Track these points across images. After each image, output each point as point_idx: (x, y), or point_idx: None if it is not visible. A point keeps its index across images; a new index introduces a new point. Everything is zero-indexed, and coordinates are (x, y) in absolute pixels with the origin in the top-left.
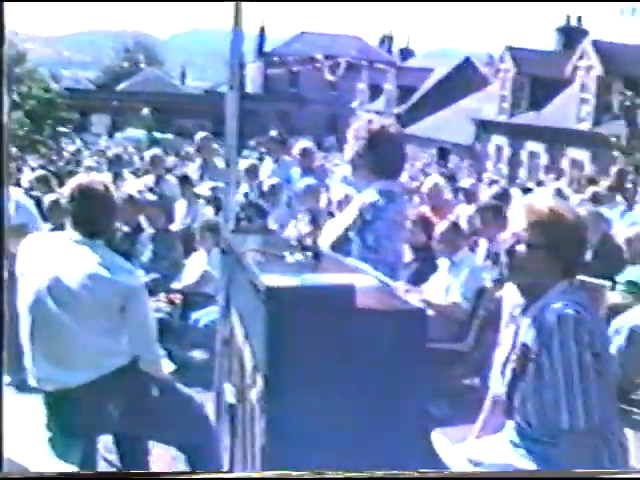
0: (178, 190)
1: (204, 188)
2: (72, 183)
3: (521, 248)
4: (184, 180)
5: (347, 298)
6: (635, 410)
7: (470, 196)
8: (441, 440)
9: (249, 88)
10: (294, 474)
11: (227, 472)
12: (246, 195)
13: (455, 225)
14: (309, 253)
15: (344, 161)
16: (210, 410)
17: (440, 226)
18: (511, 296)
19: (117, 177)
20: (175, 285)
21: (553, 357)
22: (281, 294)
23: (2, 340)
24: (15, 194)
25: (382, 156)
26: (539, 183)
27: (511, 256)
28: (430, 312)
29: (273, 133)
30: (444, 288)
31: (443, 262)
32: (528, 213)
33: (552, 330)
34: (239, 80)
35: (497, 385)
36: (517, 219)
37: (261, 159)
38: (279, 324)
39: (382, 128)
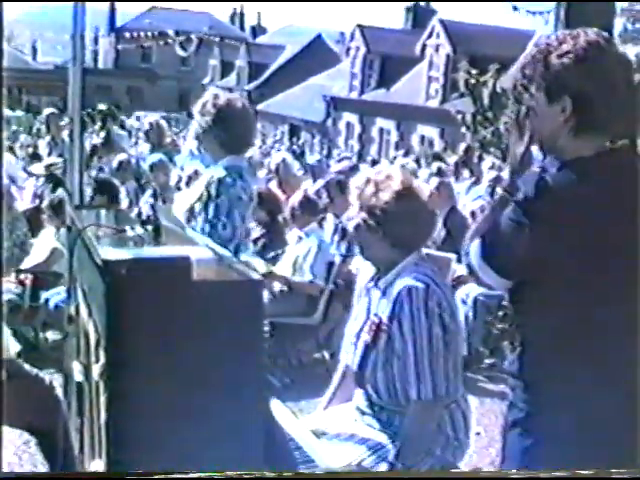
0: (19, 169)
1: (39, 167)
2: None
3: (370, 222)
4: (34, 158)
5: (184, 269)
6: (480, 378)
7: (318, 172)
8: (285, 411)
9: (101, 63)
10: (294, 474)
11: (227, 472)
12: (99, 170)
13: (306, 199)
14: (149, 227)
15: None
16: (59, 390)
17: (292, 200)
18: (363, 269)
19: None
20: (24, 265)
21: (403, 329)
22: (118, 267)
23: (1, 335)
24: None
25: (229, 131)
26: (392, 160)
27: (360, 231)
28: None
29: (102, 107)
30: (292, 262)
31: (292, 236)
32: (377, 187)
33: (402, 302)
34: (85, 54)
35: (348, 356)
36: (366, 193)
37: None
38: (117, 297)
39: (228, 103)
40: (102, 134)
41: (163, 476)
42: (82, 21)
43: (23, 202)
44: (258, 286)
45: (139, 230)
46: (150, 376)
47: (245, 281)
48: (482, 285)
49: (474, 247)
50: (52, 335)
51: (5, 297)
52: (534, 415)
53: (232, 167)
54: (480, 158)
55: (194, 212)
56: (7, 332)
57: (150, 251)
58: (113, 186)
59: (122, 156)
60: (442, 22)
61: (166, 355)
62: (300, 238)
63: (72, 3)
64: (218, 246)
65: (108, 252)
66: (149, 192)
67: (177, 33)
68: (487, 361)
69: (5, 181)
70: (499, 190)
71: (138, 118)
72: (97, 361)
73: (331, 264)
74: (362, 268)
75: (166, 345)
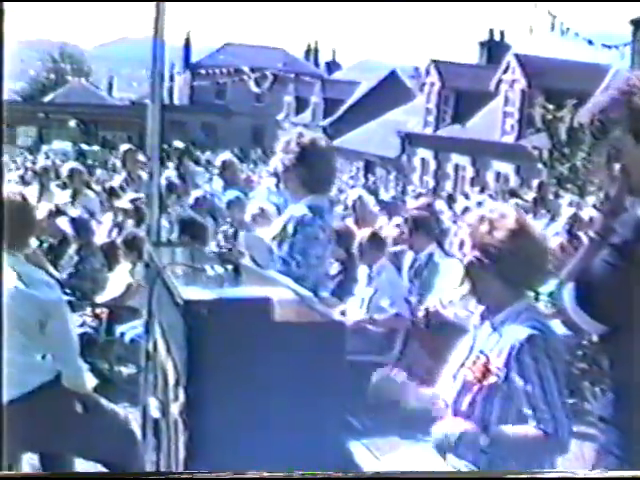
0: (97, 203)
1: (124, 201)
2: None
3: (484, 261)
4: (110, 192)
5: (265, 311)
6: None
7: (394, 209)
8: (365, 452)
9: (176, 100)
10: (294, 474)
11: (227, 472)
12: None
13: (374, 235)
14: (229, 266)
15: (270, 173)
16: (136, 426)
17: (359, 236)
18: (468, 306)
19: (43, 190)
20: (100, 299)
21: (526, 373)
22: (199, 307)
23: (1, 342)
24: None
25: (312, 171)
26: (466, 196)
27: (472, 269)
28: (370, 327)
29: (178, 144)
30: (361, 299)
31: (362, 272)
32: (492, 225)
33: (523, 349)
34: (163, 92)
35: (446, 389)
36: (480, 231)
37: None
38: (198, 337)
39: (312, 142)
40: (177, 171)
41: (163, 476)
42: (161, 58)
43: (100, 236)
44: (340, 328)
45: (219, 269)
46: (230, 417)
47: (327, 323)
48: (571, 328)
49: (568, 291)
50: (127, 369)
51: (81, 330)
52: (634, 465)
53: (313, 206)
54: (557, 195)
55: (271, 249)
56: (84, 367)
57: (231, 291)
58: (199, 224)
59: (198, 192)
60: (517, 57)
61: (247, 396)
62: (371, 273)
63: (149, 39)
64: (299, 286)
65: (189, 292)
66: (224, 229)
67: (252, 70)
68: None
69: (85, 215)
70: (591, 233)
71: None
72: (176, 399)
73: (407, 301)
74: (465, 304)
75: (247, 386)
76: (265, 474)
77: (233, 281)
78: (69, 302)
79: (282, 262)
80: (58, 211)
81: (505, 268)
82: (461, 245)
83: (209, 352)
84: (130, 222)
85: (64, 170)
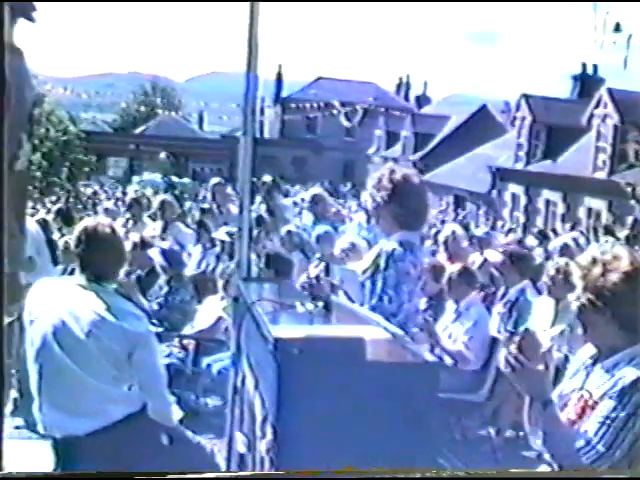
0: (187, 235)
1: (221, 233)
2: (79, 227)
3: (597, 304)
4: (200, 225)
5: (357, 351)
6: None
7: (485, 244)
8: None
9: (267, 133)
10: (294, 474)
11: (227, 472)
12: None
13: (465, 270)
14: (320, 303)
15: (360, 208)
16: (221, 459)
17: (449, 270)
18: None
19: (135, 221)
20: (188, 330)
21: (627, 410)
22: (290, 346)
23: (2, 348)
24: (31, 226)
25: (405, 207)
26: (555, 232)
27: (585, 312)
28: (447, 361)
29: (267, 179)
30: (447, 334)
31: (450, 307)
32: (605, 267)
33: (630, 392)
34: (254, 125)
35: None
36: (593, 274)
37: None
38: (288, 376)
39: (405, 178)
40: (267, 205)
41: (170, 477)
42: (253, 92)
43: (190, 268)
44: (433, 369)
45: (309, 306)
46: (318, 457)
47: (420, 364)
48: None
49: None
50: (212, 401)
51: (167, 361)
52: None
53: (404, 241)
54: None
55: (363, 284)
56: (171, 399)
57: (322, 329)
58: (285, 260)
59: (288, 227)
60: (610, 91)
61: (337, 437)
62: (459, 309)
63: (239, 73)
64: (389, 324)
65: (279, 329)
66: (314, 264)
67: (342, 104)
68: None
69: (176, 247)
70: None
71: (303, 188)
72: (263, 436)
73: (496, 340)
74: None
75: (337, 426)
76: (265, 474)
77: (323, 318)
78: (157, 333)
79: (373, 297)
80: (148, 242)
81: (619, 311)
82: (555, 285)
83: (299, 391)
84: (218, 255)
85: (155, 202)
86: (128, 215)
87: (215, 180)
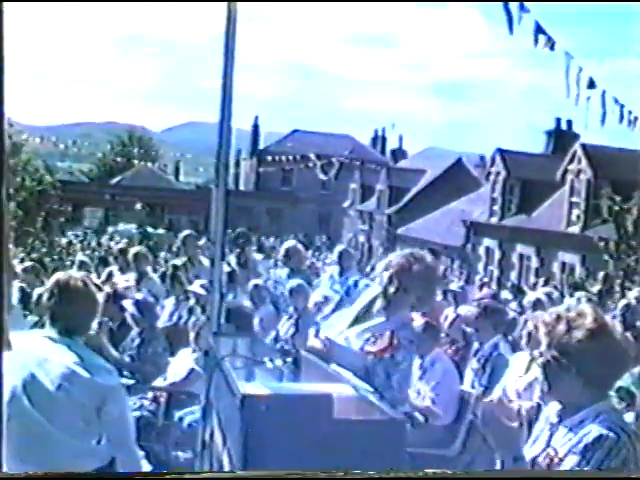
0: (161, 287)
1: (196, 286)
2: (52, 280)
3: (562, 361)
4: (173, 277)
5: (325, 408)
6: None
7: (460, 298)
8: None
9: (242, 185)
10: (294, 474)
11: (227, 472)
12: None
13: (428, 325)
14: (289, 359)
15: (333, 261)
16: None
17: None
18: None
19: (108, 273)
20: (160, 383)
21: (591, 466)
22: (257, 402)
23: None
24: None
25: (414, 291)
26: (533, 286)
27: (549, 368)
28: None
29: (240, 230)
30: (415, 390)
31: (415, 363)
32: (569, 325)
33: (591, 449)
34: (228, 177)
35: None
36: (557, 331)
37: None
38: (255, 432)
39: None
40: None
41: (170, 476)
42: (228, 144)
43: (162, 320)
44: (401, 426)
45: (278, 362)
46: None
47: (388, 420)
48: None
49: None
50: (183, 454)
51: (138, 413)
52: None
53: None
54: (623, 287)
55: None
56: (140, 453)
57: (290, 387)
58: (245, 314)
59: (256, 281)
60: (584, 147)
61: None
62: (424, 369)
63: (216, 124)
64: (360, 381)
65: (247, 386)
66: (285, 318)
67: (318, 157)
68: None
69: (150, 298)
70: None
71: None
72: None
73: (468, 395)
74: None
75: None
76: (264, 474)
77: (292, 374)
78: (129, 385)
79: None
80: (121, 294)
81: (584, 368)
82: (529, 340)
83: (266, 448)
84: (191, 307)
85: (130, 253)
86: (101, 267)
87: (186, 232)
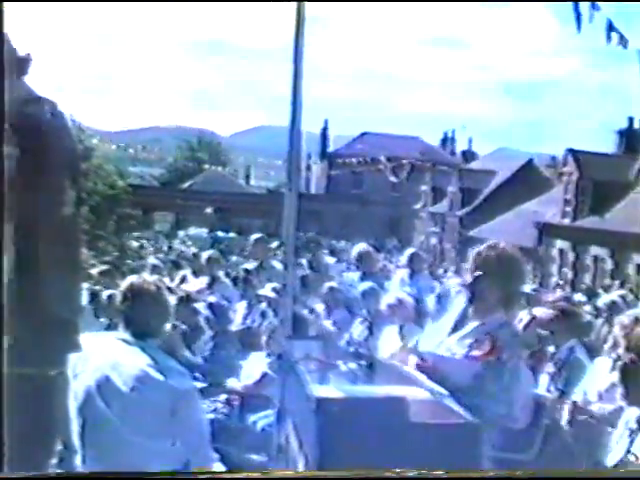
0: (233, 291)
1: (267, 289)
2: (125, 283)
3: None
4: (245, 281)
5: (399, 410)
6: None
7: (533, 301)
8: None
9: (313, 188)
10: (294, 474)
11: (227, 472)
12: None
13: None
14: (363, 362)
15: (402, 264)
16: None
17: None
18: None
19: (179, 276)
20: (233, 385)
21: None
22: (331, 405)
23: (2, 334)
24: None
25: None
26: (605, 288)
27: (627, 371)
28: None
29: (311, 234)
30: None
31: None
32: None
33: None
34: (299, 181)
35: None
36: (636, 333)
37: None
38: (330, 437)
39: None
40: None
41: (170, 477)
42: (298, 147)
43: (234, 323)
44: (476, 430)
45: (352, 365)
46: None
47: (463, 424)
48: None
49: None
50: (257, 457)
51: (212, 416)
52: None
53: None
54: None
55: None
56: (214, 456)
57: (364, 390)
58: (300, 318)
59: (332, 283)
60: None
61: None
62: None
63: (286, 128)
64: (435, 384)
65: (321, 389)
66: (359, 321)
67: (389, 159)
68: None
69: (223, 302)
70: None
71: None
72: None
73: (544, 399)
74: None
75: None
76: (264, 473)
77: (366, 377)
78: (202, 388)
79: None
80: (194, 298)
81: None
82: (614, 346)
83: (342, 451)
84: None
85: (202, 257)
86: (174, 270)
87: (257, 235)
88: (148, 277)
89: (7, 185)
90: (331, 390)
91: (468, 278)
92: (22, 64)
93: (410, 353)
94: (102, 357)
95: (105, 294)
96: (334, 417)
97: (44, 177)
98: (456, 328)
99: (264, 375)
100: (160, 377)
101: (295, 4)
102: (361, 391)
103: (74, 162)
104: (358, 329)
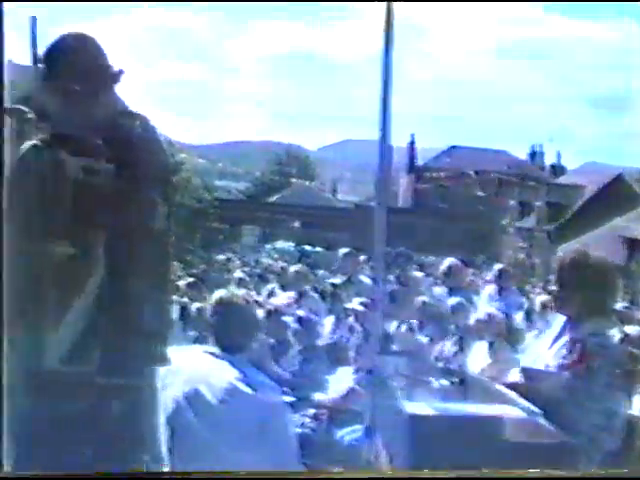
0: (321, 305)
1: (355, 303)
2: (215, 297)
3: None
4: (333, 295)
5: (493, 430)
6: None
7: (625, 319)
8: None
9: (400, 202)
10: (294, 474)
11: (228, 472)
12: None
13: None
14: (455, 379)
15: (490, 280)
16: None
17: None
18: None
19: (267, 289)
20: (321, 399)
21: None
22: (423, 423)
23: (2, 336)
24: None
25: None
26: None
27: None
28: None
29: (400, 248)
30: None
31: None
32: None
33: None
34: (388, 195)
35: None
36: None
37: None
38: (423, 454)
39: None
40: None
41: (169, 477)
42: (388, 161)
43: (323, 338)
44: (573, 451)
45: (444, 382)
46: None
47: (560, 444)
48: None
49: None
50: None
51: (300, 430)
52: None
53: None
54: None
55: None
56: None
57: (456, 408)
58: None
59: (424, 297)
60: None
61: None
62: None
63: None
64: (527, 402)
65: (411, 406)
66: (454, 338)
67: (477, 173)
68: None
69: (312, 316)
70: None
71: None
72: None
73: (637, 419)
74: None
75: None
76: (264, 473)
77: (459, 394)
78: (290, 402)
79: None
80: (282, 311)
81: None
82: None
83: (434, 469)
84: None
85: (290, 271)
86: (261, 284)
87: (345, 250)
88: (237, 291)
89: (101, 200)
90: (423, 407)
91: (556, 286)
92: (115, 78)
93: (501, 369)
94: (191, 370)
95: (194, 307)
96: (427, 434)
97: (137, 191)
98: (554, 343)
99: (351, 390)
100: (249, 391)
101: (384, 14)
102: (453, 409)
103: (166, 176)
104: (448, 344)
